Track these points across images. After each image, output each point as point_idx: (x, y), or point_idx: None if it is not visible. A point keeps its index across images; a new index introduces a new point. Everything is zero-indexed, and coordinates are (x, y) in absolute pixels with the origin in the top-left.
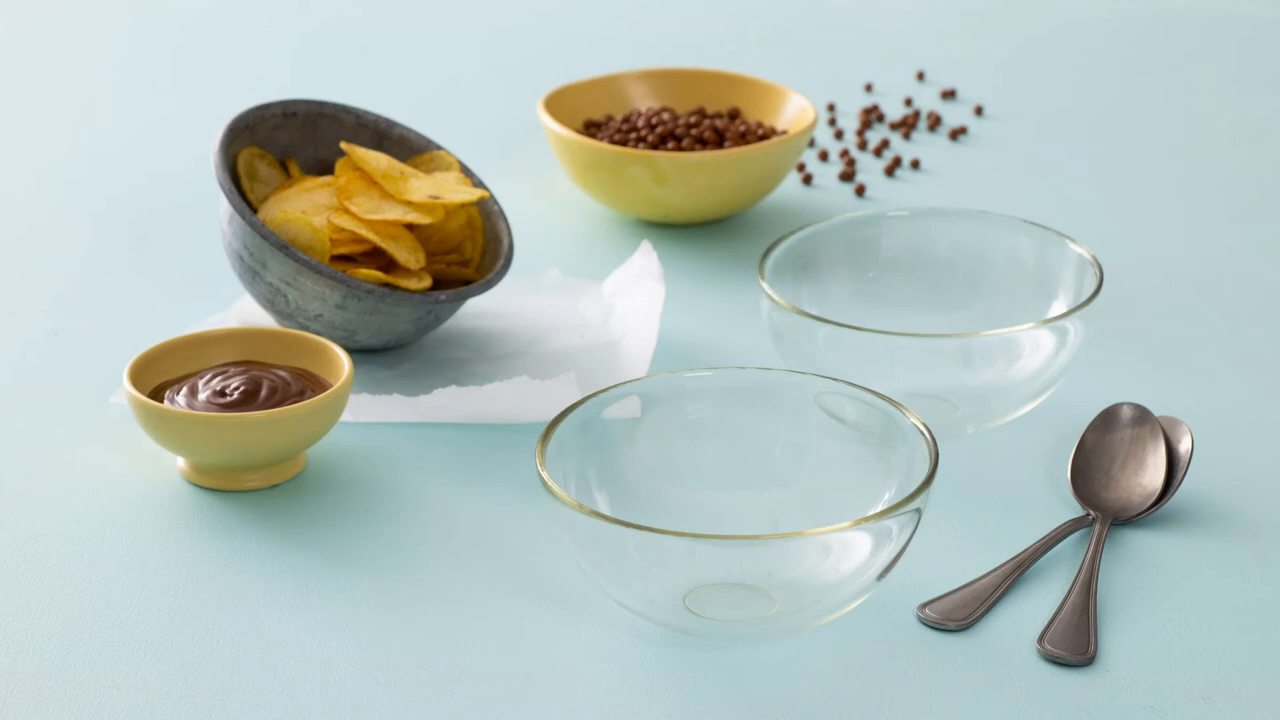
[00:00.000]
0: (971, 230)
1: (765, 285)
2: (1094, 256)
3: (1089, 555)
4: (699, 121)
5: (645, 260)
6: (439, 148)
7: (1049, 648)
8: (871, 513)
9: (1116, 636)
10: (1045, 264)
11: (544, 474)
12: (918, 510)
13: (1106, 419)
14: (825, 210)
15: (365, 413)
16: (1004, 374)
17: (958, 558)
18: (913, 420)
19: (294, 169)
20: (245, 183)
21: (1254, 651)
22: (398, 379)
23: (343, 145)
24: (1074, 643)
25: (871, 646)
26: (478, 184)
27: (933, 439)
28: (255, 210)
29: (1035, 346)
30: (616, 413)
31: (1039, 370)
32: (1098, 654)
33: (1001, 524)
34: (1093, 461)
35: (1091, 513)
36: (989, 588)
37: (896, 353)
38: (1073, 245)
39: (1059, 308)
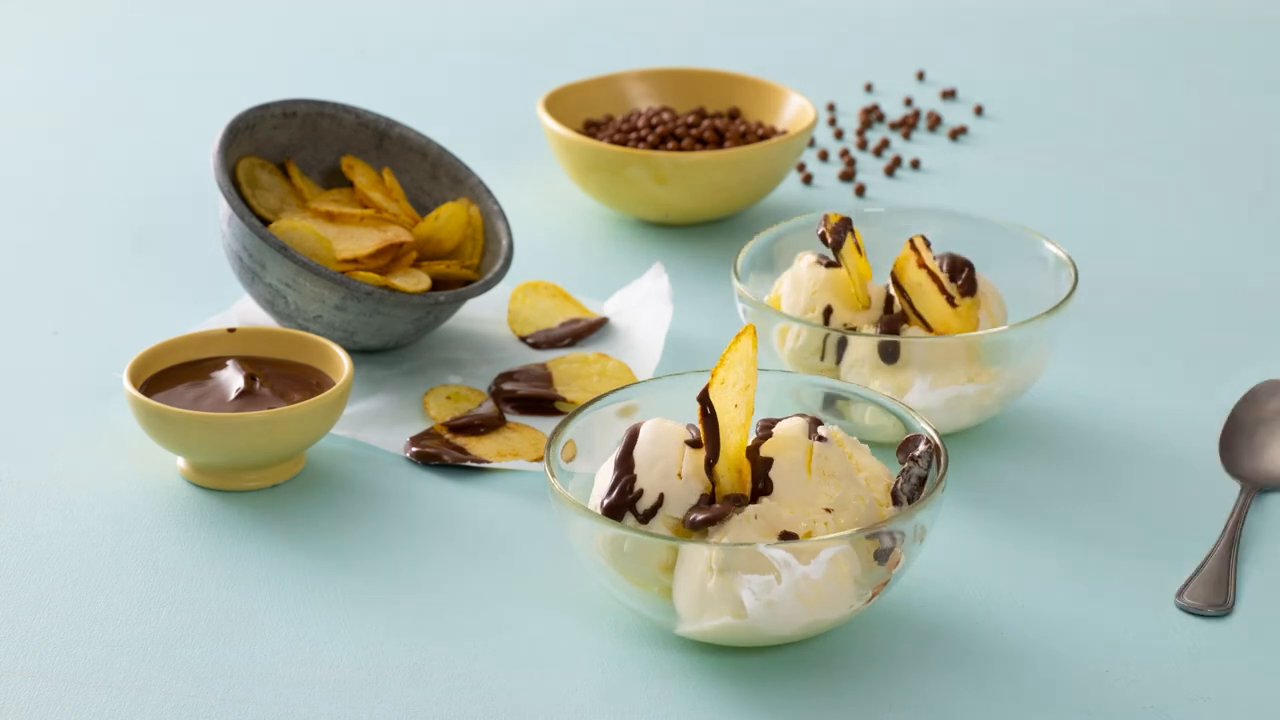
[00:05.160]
0: (949, 229)
1: (738, 283)
2: (1069, 256)
3: (1231, 520)
4: (699, 121)
5: (654, 283)
6: (439, 147)
7: (1188, 600)
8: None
9: (1117, 635)
10: (1021, 264)
11: (554, 483)
12: (928, 515)
13: (1254, 394)
14: (825, 210)
15: (371, 436)
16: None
17: (964, 562)
18: (923, 424)
19: (293, 170)
20: (246, 189)
21: (1254, 651)
22: (397, 379)
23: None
24: (1212, 594)
25: (874, 649)
26: (477, 183)
27: (943, 447)
28: (256, 214)
29: (1009, 347)
30: (623, 415)
31: (1016, 370)
32: (1100, 655)
33: (1008, 524)
34: (1241, 433)
35: (1241, 482)
36: (1221, 566)
37: (872, 355)
38: (1048, 245)
39: (1037, 308)
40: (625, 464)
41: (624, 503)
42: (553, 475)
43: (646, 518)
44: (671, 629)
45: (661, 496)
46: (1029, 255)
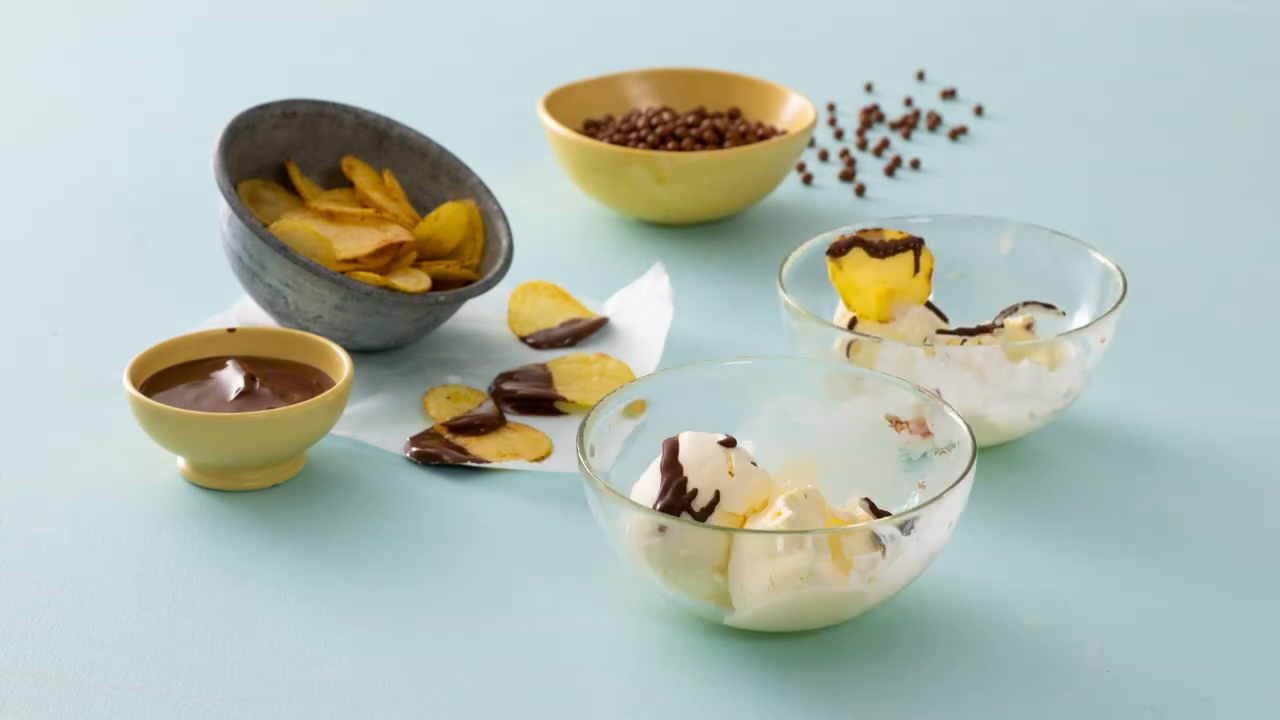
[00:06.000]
0: (993, 238)
1: (784, 294)
2: (1118, 266)
3: None
4: (699, 121)
5: (654, 283)
6: (439, 147)
7: None
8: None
9: (1117, 635)
10: (1069, 273)
11: (600, 484)
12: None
13: None
14: (826, 210)
15: (371, 436)
16: (1031, 384)
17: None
18: (951, 414)
19: (293, 170)
20: (249, 206)
21: (1254, 651)
22: (397, 379)
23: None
24: None
25: (874, 646)
26: (477, 183)
27: (971, 434)
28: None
29: (1062, 356)
30: (629, 414)
31: (1065, 381)
32: (1097, 655)
33: (1009, 523)
34: None
35: None
36: None
37: (918, 363)
38: (1095, 255)
39: (1082, 318)
40: (673, 468)
41: (680, 502)
42: (602, 488)
43: (704, 515)
44: (719, 619)
45: (717, 494)
46: (1077, 264)
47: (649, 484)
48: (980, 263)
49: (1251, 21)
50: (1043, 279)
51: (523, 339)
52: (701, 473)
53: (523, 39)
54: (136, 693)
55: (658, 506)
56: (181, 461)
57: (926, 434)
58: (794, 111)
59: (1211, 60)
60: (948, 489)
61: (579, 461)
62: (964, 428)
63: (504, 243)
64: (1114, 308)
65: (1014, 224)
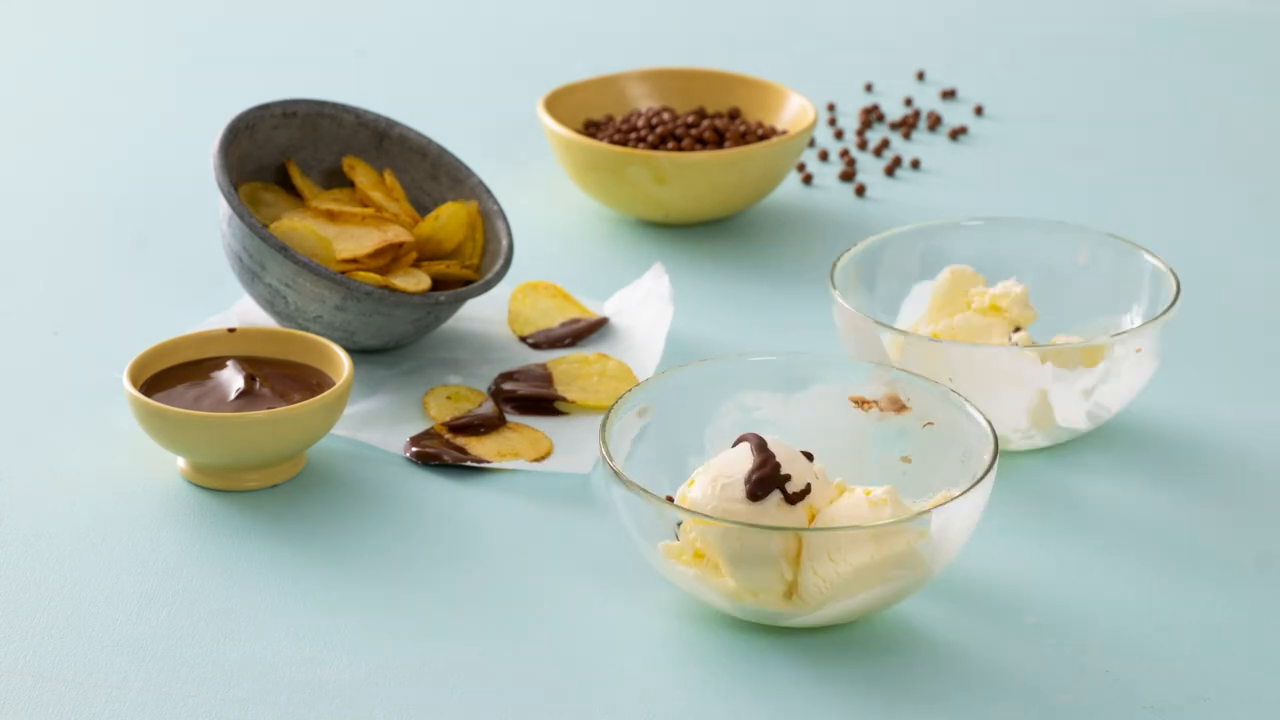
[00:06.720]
0: (1044, 240)
1: (837, 295)
2: (1170, 268)
3: None
4: (699, 121)
5: (654, 283)
6: (439, 147)
7: None
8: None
9: (1116, 636)
10: (1119, 276)
11: (635, 486)
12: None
13: None
14: (826, 210)
15: (371, 436)
16: (1081, 386)
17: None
18: (973, 410)
19: (293, 170)
20: (249, 207)
21: (1254, 651)
22: (397, 379)
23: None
24: None
25: (878, 644)
26: (477, 183)
27: (992, 430)
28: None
29: (1111, 359)
30: (640, 415)
31: (1115, 383)
32: (1100, 654)
33: (1010, 523)
34: None
35: None
36: None
37: (976, 365)
38: (1148, 256)
39: (1132, 320)
40: (765, 451)
41: (775, 478)
42: (657, 500)
43: (794, 500)
44: (776, 621)
45: (809, 486)
46: (1126, 266)
47: (702, 484)
48: (1036, 266)
49: (1253, 21)
50: (1096, 281)
51: (523, 339)
52: (794, 465)
53: (523, 39)
54: (136, 693)
55: (752, 477)
56: (181, 461)
57: (901, 408)
58: (794, 111)
59: (1212, 59)
60: (973, 484)
61: (613, 473)
62: (941, 389)
63: (504, 243)
64: (1165, 310)
65: (1068, 226)
